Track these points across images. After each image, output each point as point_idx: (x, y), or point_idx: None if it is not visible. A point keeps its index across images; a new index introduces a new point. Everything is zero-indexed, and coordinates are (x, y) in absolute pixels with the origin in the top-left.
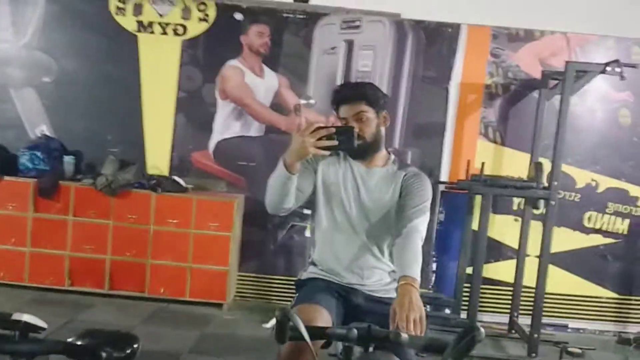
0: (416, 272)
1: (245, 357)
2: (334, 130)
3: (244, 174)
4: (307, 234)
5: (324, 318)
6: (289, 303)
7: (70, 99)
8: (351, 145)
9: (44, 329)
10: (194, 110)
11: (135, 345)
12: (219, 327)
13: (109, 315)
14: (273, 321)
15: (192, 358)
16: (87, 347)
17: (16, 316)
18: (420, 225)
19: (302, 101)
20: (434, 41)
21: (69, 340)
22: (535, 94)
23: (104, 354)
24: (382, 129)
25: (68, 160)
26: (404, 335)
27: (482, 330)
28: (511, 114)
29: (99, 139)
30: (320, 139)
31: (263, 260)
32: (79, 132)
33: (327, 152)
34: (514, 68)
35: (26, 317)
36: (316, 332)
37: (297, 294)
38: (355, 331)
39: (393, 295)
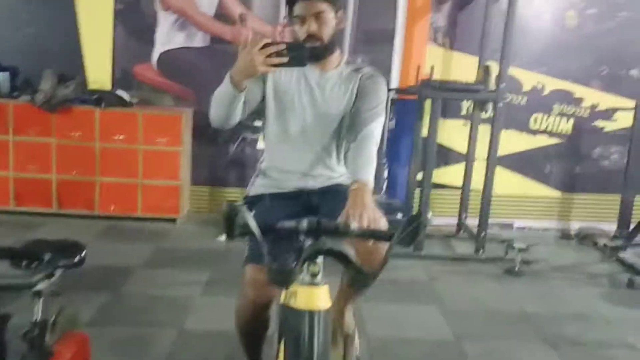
0: (369, 177)
1: (200, 268)
2: (284, 46)
3: (190, 86)
4: (259, 146)
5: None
6: None
7: (2, 10)
8: (303, 63)
9: None
10: (133, 22)
11: (82, 253)
12: (173, 241)
13: (58, 234)
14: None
15: (146, 271)
16: (30, 252)
17: None
18: (375, 129)
19: None
20: None
21: (13, 246)
22: None
23: (47, 258)
24: (337, 29)
25: (3, 76)
26: (353, 225)
27: (428, 216)
28: (460, 18)
29: (35, 53)
30: (269, 55)
31: (215, 174)
32: (13, 46)
33: (276, 69)
34: None
35: None
36: (265, 229)
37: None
38: (305, 223)
39: (345, 182)
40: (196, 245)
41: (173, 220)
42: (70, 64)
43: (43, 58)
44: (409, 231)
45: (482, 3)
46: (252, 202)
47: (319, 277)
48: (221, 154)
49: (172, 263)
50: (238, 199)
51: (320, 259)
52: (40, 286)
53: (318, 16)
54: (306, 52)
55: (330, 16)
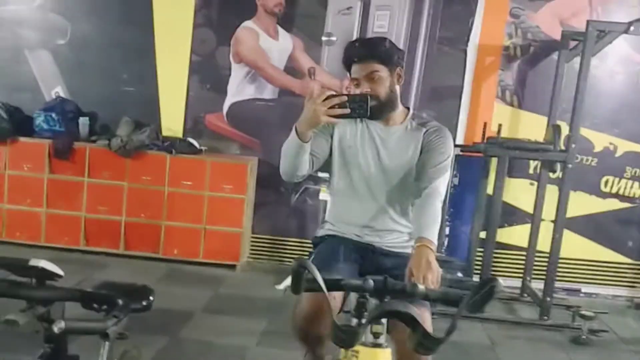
0: (433, 234)
1: (258, 316)
2: (346, 98)
3: (257, 136)
4: (321, 196)
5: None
6: None
7: (85, 61)
8: (364, 114)
9: (60, 276)
10: (207, 73)
11: (150, 297)
12: (232, 288)
13: (123, 275)
14: (286, 282)
15: (205, 316)
16: (104, 296)
17: (33, 262)
18: (441, 185)
19: (324, 38)
20: (452, 1)
21: (87, 289)
22: (555, 55)
23: (120, 302)
24: (397, 87)
25: (83, 121)
26: (421, 287)
27: (501, 281)
28: (529, 76)
29: (113, 101)
30: (332, 107)
31: (276, 223)
32: (94, 93)
33: (339, 120)
34: (534, 29)
35: (43, 264)
36: (332, 284)
37: (314, 251)
38: (371, 282)
39: (409, 251)
40: (254, 293)
41: (232, 267)
42: (146, 111)
43: (121, 105)
44: (480, 296)
45: (552, 62)
46: (318, 242)
47: (383, 339)
48: (283, 203)
49: (230, 310)
50: (297, 249)
51: (384, 320)
52: (111, 329)
53: (371, 76)
54: (367, 104)
55: (384, 75)
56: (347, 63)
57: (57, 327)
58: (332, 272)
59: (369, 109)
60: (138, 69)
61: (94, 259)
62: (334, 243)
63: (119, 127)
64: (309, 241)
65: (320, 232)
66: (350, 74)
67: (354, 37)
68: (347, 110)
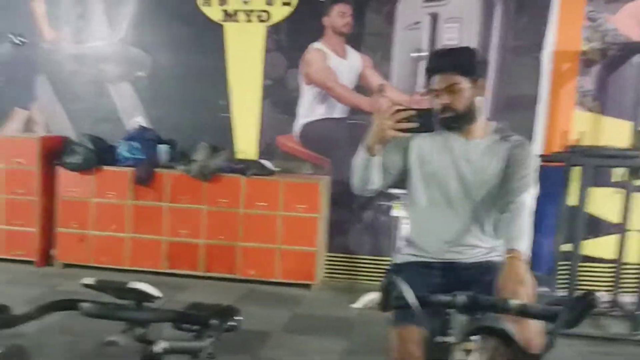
0: (523, 246)
1: (336, 336)
2: (413, 112)
3: (328, 155)
4: (393, 213)
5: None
6: (376, 283)
7: (163, 91)
8: (430, 128)
9: (158, 297)
10: (279, 96)
11: (238, 317)
12: (309, 307)
13: (204, 296)
14: (361, 300)
15: (284, 336)
16: (199, 317)
17: (131, 285)
18: (528, 199)
19: (413, 54)
20: (524, 8)
21: (181, 310)
22: (636, 58)
23: (212, 323)
24: (479, 98)
25: (163, 148)
26: (513, 302)
27: (599, 296)
28: (610, 81)
29: (191, 128)
30: (399, 121)
31: (350, 241)
32: (172, 121)
33: (406, 135)
34: (613, 31)
35: (141, 286)
36: (420, 300)
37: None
38: (461, 297)
39: (495, 262)
40: (331, 313)
41: (308, 286)
42: (221, 136)
43: (198, 131)
44: (577, 312)
45: (634, 65)
46: (399, 270)
47: (474, 356)
48: (356, 221)
49: (309, 330)
50: (371, 267)
51: (476, 337)
52: (203, 350)
53: (452, 88)
54: (434, 119)
55: (464, 87)
56: (429, 73)
57: (159, 347)
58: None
59: (435, 123)
60: (213, 95)
61: (175, 281)
62: (413, 271)
63: (196, 153)
64: (383, 258)
65: (398, 259)
66: (430, 84)
67: (423, 52)
68: (414, 125)
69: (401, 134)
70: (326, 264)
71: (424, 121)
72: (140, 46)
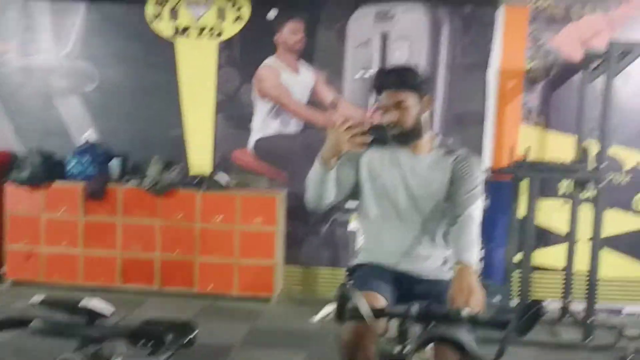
0: (473, 257)
1: (296, 349)
2: (367, 126)
3: (284, 169)
4: (350, 227)
5: (380, 303)
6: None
7: (114, 105)
8: (385, 141)
9: (111, 314)
10: (232, 111)
11: (194, 332)
12: (268, 321)
13: (160, 312)
14: (321, 313)
15: (244, 350)
16: (153, 333)
17: (84, 302)
18: (474, 211)
19: (356, 76)
20: (471, 27)
21: (135, 326)
22: (578, 76)
23: (168, 339)
24: (425, 114)
25: (114, 163)
26: (465, 311)
27: (546, 304)
28: (554, 97)
29: (143, 142)
30: (355, 135)
31: (308, 253)
32: (123, 136)
33: (361, 148)
34: (555, 51)
35: (93, 303)
36: (375, 312)
37: (352, 278)
38: (415, 308)
39: (447, 276)
40: (290, 326)
41: (267, 300)
42: (175, 150)
43: (150, 146)
44: (527, 319)
45: (576, 82)
46: (354, 270)
47: None
48: (313, 234)
49: (268, 343)
50: (329, 279)
51: (431, 346)
52: None
53: (399, 105)
54: (387, 133)
55: (412, 104)
56: (377, 90)
57: None
58: (368, 290)
59: (388, 137)
60: (165, 110)
61: (130, 297)
62: (370, 270)
63: (149, 167)
64: (341, 270)
65: (356, 261)
66: (378, 100)
67: (373, 69)
68: (368, 139)
69: (356, 148)
70: (285, 277)
71: (379, 135)
72: (89, 60)
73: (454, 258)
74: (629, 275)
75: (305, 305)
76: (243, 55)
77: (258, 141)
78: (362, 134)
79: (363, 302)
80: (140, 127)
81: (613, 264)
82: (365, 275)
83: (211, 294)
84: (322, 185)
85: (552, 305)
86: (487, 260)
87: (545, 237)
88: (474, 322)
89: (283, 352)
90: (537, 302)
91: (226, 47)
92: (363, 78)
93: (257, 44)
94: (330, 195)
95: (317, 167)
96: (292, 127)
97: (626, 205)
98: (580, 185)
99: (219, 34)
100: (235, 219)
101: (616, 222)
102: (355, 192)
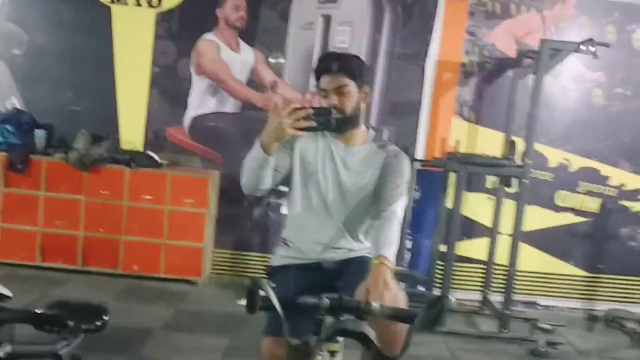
0: (390, 254)
1: (219, 333)
2: (311, 111)
3: (219, 150)
4: (283, 211)
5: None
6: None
7: (42, 71)
8: (329, 127)
9: (9, 297)
10: (168, 85)
11: (104, 317)
12: (193, 304)
13: (81, 292)
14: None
15: (166, 334)
16: (54, 317)
17: None
18: (399, 209)
19: (271, 60)
20: (411, 17)
21: (37, 310)
22: (510, 72)
23: (70, 324)
24: (362, 105)
25: (39, 134)
26: (375, 305)
27: (452, 299)
28: (486, 93)
29: (71, 113)
30: (297, 119)
31: (239, 237)
32: (50, 105)
33: (304, 133)
34: (490, 46)
35: None
36: (287, 302)
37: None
38: (326, 300)
39: (366, 253)
40: (216, 309)
41: (194, 283)
42: (105, 124)
43: (79, 118)
44: (432, 315)
45: (508, 79)
46: (274, 273)
47: (339, 357)
48: (245, 217)
49: (192, 327)
50: (259, 264)
51: (340, 339)
52: (62, 351)
53: (341, 90)
54: (333, 117)
55: (353, 90)
56: (318, 74)
57: (3, 351)
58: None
59: (334, 122)
60: (96, 80)
61: (51, 275)
62: (288, 274)
63: (76, 140)
64: (271, 256)
65: (275, 261)
66: (319, 85)
67: (315, 53)
68: (313, 124)
69: (299, 133)
70: (213, 261)
71: (323, 120)
72: (17, 22)
73: (373, 253)
74: (545, 270)
75: (233, 289)
76: (182, 27)
77: (194, 119)
78: (306, 119)
79: (272, 294)
80: (69, 96)
81: (531, 259)
82: (284, 283)
83: (136, 275)
84: (260, 171)
85: (468, 296)
86: (415, 249)
87: (470, 229)
88: (383, 315)
89: (207, 336)
90: (442, 297)
91: (165, 17)
92: (306, 59)
93: (197, 17)
94: (268, 181)
95: (256, 152)
96: (230, 106)
97: (547, 203)
98: (505, 180)
99: (158, 4)
100: (165, 199)
101: (536, 218)
102: (287, 178)
